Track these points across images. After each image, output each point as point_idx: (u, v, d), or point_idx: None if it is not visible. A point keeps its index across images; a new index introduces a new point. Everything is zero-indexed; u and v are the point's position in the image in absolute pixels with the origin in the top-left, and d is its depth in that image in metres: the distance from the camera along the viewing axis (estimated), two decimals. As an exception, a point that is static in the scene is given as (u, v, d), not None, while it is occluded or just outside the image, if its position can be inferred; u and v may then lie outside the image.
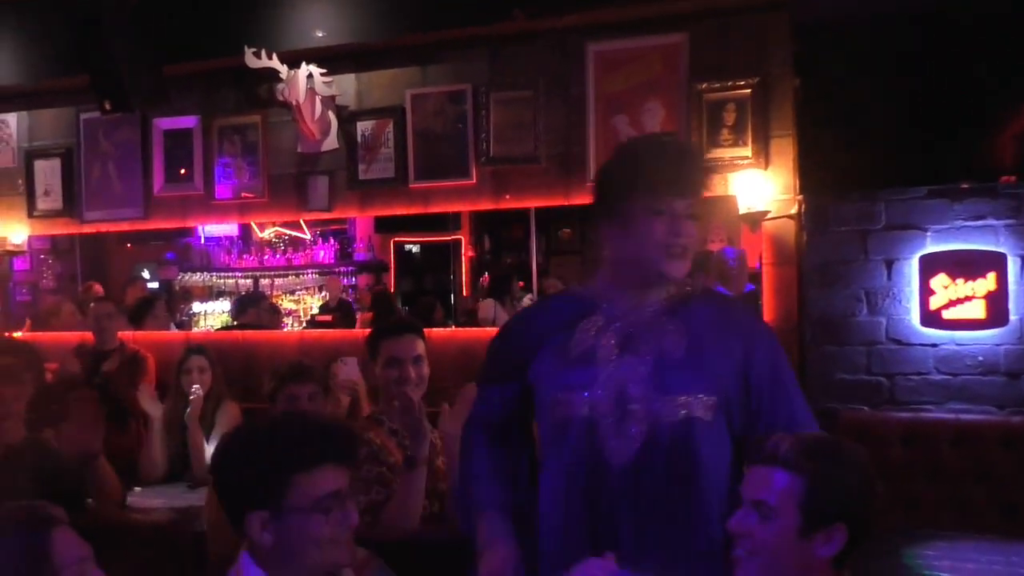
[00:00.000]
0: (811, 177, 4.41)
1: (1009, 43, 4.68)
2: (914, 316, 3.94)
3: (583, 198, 4.63)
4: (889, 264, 4.01)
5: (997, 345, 3.81)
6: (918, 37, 4.90)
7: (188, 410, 3.83)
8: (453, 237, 8.73)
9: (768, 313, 4.30)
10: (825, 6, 4.68)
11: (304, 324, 7.49)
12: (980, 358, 3.84)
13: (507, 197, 4.86)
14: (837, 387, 4.02)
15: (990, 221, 3.80)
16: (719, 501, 1.61)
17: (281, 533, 1.53)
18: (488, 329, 5.37)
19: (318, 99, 4.91)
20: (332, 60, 4.95)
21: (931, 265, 3.90)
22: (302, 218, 6.93)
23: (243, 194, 5.29)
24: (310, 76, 4.85)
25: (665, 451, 1.62)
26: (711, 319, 1.73)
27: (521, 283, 8.33)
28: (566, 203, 4.84)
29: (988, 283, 3.80)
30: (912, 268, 3.95)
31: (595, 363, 1.70)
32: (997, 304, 3.81)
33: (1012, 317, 3.81)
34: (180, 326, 6.89)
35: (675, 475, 1.61)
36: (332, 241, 8.41)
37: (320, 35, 4.95)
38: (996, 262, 3.79)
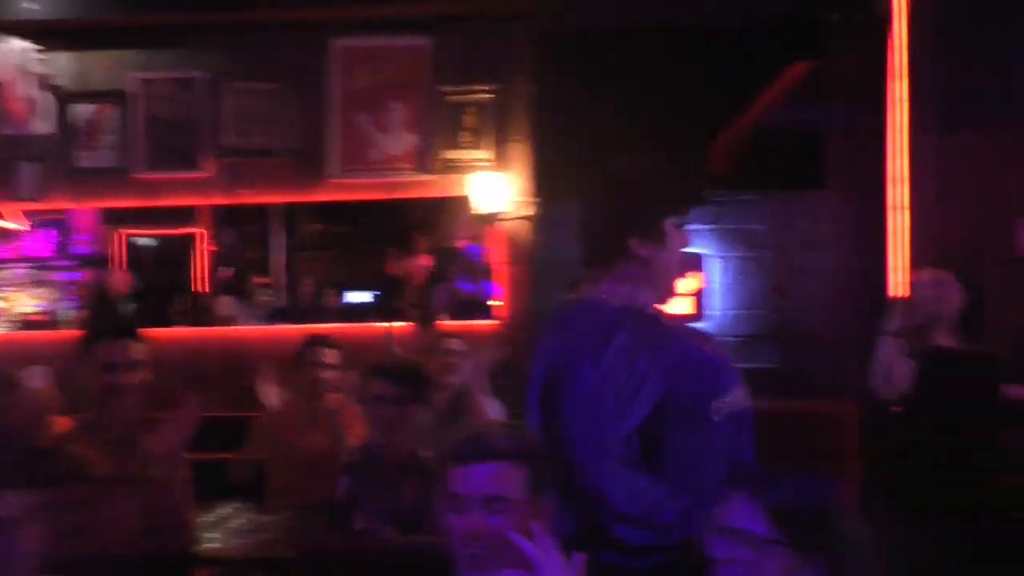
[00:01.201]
0: (547, 181, 4.64)
1: (727, 60, 5.15)
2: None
3: (323, 194, 4.57)
4: (611, 264, 4.33)
5: (705, 337, 4.24)
6: (648, 52, 5.29)
7: None
8: (191, 230, 8.22)
9: (501, 309, 4.48)
10: (565, 19, 4.92)
11: (13, 325, 6.74)
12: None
13: (243, 191, 4.68)
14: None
15: (696, 226, 4.23)
16: None
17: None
18: (226, 328, 5.14)
19: (27, 77, 4.45)
20: (46, 35, 4.51)
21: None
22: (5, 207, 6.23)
23: (-70, 179, 4.69)
24: (18, 51, 4.39)
25: None
26: None
27: (266, 280, 8.02)
28: (305, 199, 4.76)
29: (695, 282, 4.22)
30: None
31: None
32: (702, 301, 4.24)
33: (716, 312, 4.25)
34: None
35: None
36: (50, 232, 7.63)
37: (32, 7, 4.49)
38: (700, 263, 4.22)
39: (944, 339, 3.16)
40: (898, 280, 4.12)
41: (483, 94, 4.55)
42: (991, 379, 3.40)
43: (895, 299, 3.88)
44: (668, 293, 1.75)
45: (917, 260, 4.15)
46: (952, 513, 2.99)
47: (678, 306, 4.19)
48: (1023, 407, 3.67)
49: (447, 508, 1.43)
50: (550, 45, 4.76)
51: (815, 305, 4.55)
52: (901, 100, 3.99)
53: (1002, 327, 4.21)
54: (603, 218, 1.75)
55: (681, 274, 1.79)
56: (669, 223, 1.70)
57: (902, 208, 4.13)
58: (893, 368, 3.22)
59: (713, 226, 4.26)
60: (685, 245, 1.75)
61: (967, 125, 4.45)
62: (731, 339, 4.35)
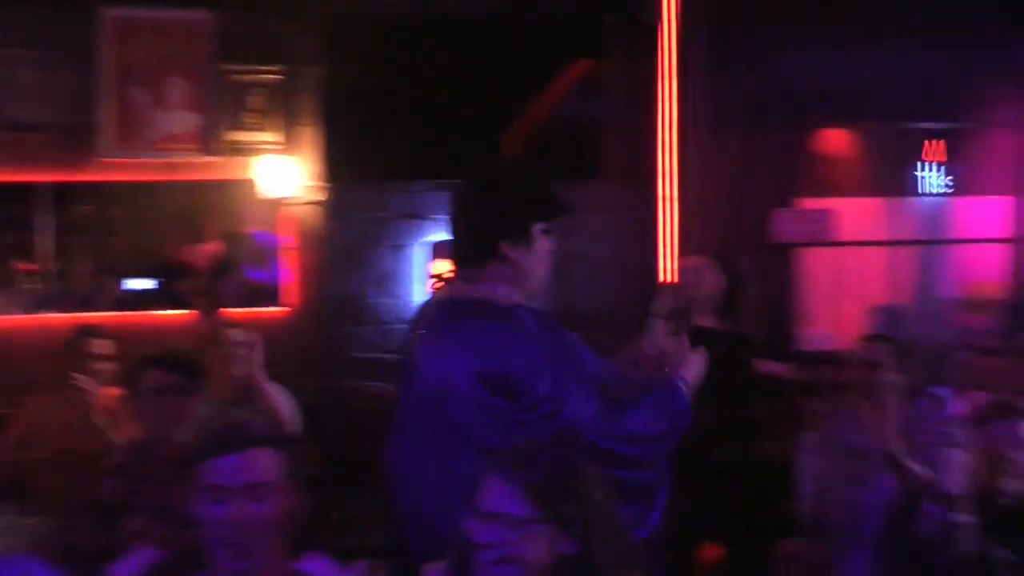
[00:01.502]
0: (337, 166, 4.59)
1: (522, 51, 5.27)
2: (421, 298, 4.35)
3: (95, 174, 4.28)
4: (399, 249, 4.39)
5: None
6: (440, 40, 5.34)
7: None
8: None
9: (291, 295, 4.40)
10: (359, 3, 4.86)
11: None
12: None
13: (3, 168, 4.30)
14: (357, 365, 4.28)
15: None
16: None
17: None
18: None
19: None
20: None
21: (435, 252, 4.35)
22: None
23: None
24: None
25: None
26: None
27: (31, 266, 7.36)
28: (74, 179, 4.43)
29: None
30: (419, 254, 4.37)
31: None
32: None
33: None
34: None
35: None
36: None
37: None
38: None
39: (704, 320, 3.45)
40: (668, 267, 4.45)
41: (271, 75, 4.44)
42: (746, 356, 3.76)
43: (664, 284, 4.19)
44: (535, 292, 1.91)
45: (684, 248, 4.50)
46: (717, 478, 3.30)
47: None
48: (774, 381, 4.09)
49: (204, 500, 1.41)
50: (342, 28, 4.70)
51: (597, 290, 4.81)
52: (670, 99, 4.30)
53: (758, 309, 4.67)
54: (477, 220, 1.88)
55: (546, 275, 1.95)
56: (537, 228, 1.85)
57: (671, 200, 4.46)
58: (663, 348, 3.48)
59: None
60: (550, 248, 1.90)
61: (730, 125, 4.87)
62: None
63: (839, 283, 5.53)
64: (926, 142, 5.31)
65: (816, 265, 5.40)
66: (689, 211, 4.59)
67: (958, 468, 1.81)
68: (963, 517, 1.78)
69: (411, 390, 1.89)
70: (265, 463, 1.45)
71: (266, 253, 5.05)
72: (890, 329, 5.27)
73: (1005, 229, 5.35)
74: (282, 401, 3.13)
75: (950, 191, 5.39)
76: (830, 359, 4.78)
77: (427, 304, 1.99)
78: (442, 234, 4.34)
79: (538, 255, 1.86)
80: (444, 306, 1.90)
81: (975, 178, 5.35)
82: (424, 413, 1.82)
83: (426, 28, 5.25)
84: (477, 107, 5.42)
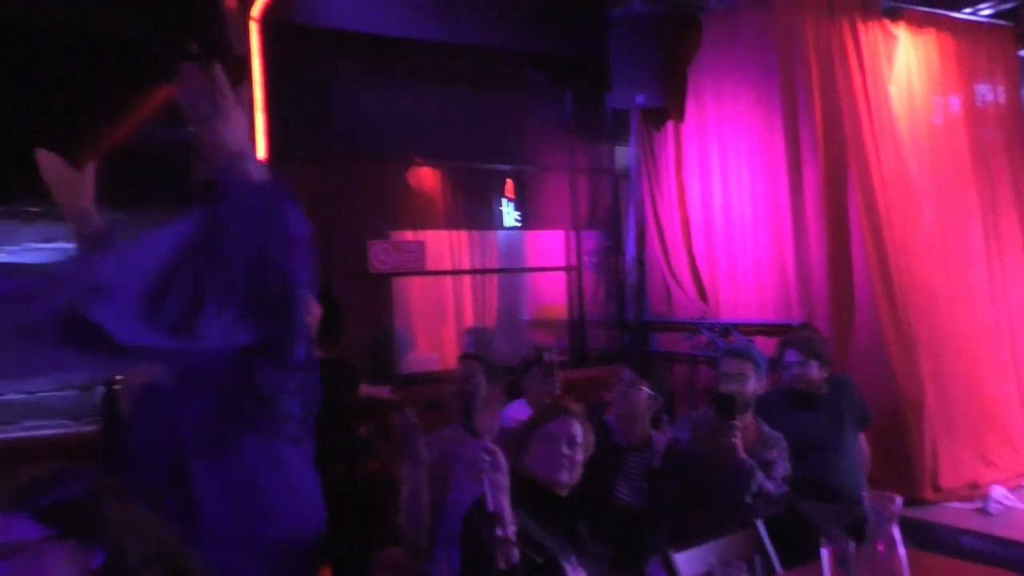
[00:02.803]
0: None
1: (97, 70, 4.81)
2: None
3: None
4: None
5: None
6: (31, 51, 4.70)
7: None
8: None
9: None
10: None
11: None
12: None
13: None
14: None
15: (61, 244, 3.96)
16: None
17: None
18: None
19: None
20: None
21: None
22: None
23: None
24: None
25: None
26: None
27: None
28: None
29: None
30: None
31: None
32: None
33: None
34: None
35: None
36: None
37: None
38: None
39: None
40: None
41: None
42: (349, 381, 3.87)
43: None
44: None
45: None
46: (329, 496, 3.33)
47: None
48: (375, 403, 4.26)
49: None
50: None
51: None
52: (261, 131, 4.30)
53: (358, 335, 4.83)
54: None
55: None
56: None
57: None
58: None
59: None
60: None
61: (321, 158, 5.01)
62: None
63: (438, 309, 5.93)
64: (507, 180, 5.95)
65: (412, 292, 5.74)
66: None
67: (495, 490, 2.03)
68: (501, 531, 1.99)
69: None
70: None
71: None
72: (479, 348, 5.79)
73: (566, 259, 6.17)
74: None
75: (521, 225, 6.08)
76: (427, 379, 5.12)
77: None
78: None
79: None
80: None
81: (539, 214, 6.11)
82: None
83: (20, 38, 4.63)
84: (71, 125, 4.88)
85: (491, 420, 3.30)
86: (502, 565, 1.96)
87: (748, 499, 3.08)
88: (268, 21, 4.54)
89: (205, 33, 4.49)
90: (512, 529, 2.00)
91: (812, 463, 3.57)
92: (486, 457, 2.01)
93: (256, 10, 4.52)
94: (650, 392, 3.35)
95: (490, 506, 1.96)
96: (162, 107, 5.18)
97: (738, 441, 3.13)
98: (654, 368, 3.59)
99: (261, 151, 4.47)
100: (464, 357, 3.66)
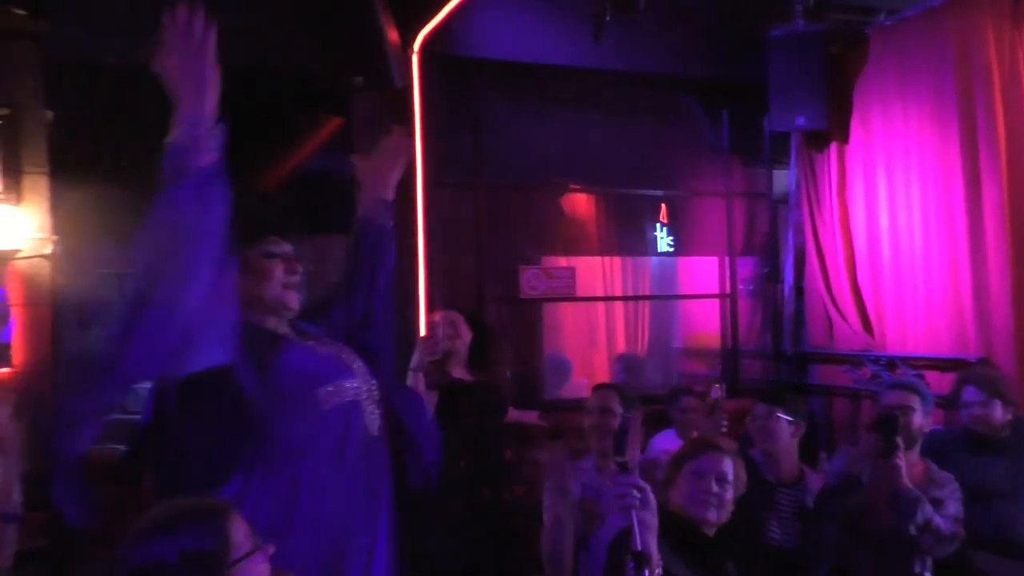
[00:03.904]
0: (67, 216, 4.27)
1: (265, 105, 5.14)
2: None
3: None
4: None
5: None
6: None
7: None
8: None
9: (19, 355, 4.00)
10: (71, 45, 4.51)
11: None
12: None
13: None
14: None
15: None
16: None
17: None
18: None
19: None
20: None
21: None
22: None
23: None
24: None
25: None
26: None
27: None
28: None
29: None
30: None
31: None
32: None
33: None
34: None
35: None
36: None
37: None
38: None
39: (457, 371, 3.56)
40: (423, 321, 4.55)
41: (-10, 119, 4.06)
42: (497, 405, 3.91)
43: (422, 339, 4.27)
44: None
45: (433, 302, 4.62)
46: (477, 519, 3.39)
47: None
48: (522, 428, 4.28)
49: None
50: (65, 69, 4.34)
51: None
52: (416, 159, 4.45)
53: (505, 360, 4.87)
54: None
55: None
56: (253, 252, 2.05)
57: (420, 255, 4.61)
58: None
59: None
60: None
61: (475, 184, 5.13)
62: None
63: (589, 335, 5.92)
64: (661, 206, 5.89)
65: (564, 318, 5.75)
66: (436, 266, 4.74)
67: (643, 528, 1.95)
68: (648, 572, 1.91)
69: None
70: None
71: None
72: (629, 376, 5.72)
73: (720, 286, 6.00)
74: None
75: (674, 251, 5.98)
76: (573, 406, 5.10)
77: None
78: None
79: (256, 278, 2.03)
80: None
81: (692, 240, 5.99)
82: None
83: (146, 74, 4.97)
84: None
85: (632, 452, 3.24)
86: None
87: (913, 530, 2.82)
88: (426, 54, 4.71)
89: (370, 67, 4.74)
90: (659, 572, 1.93)
91: (990, 513, 3.26)
92: (636, 494, 1.94)
93: (417, 44, 4.69)
94: (788, 419, 3.18)
95: (637, 545, 1.90)
96: (331, 137, 5.49)
97: (902, 462, 2.87)
98: (785, 397, 3.47)
99: (419, 180, 4.62)
100: (598, 387, 3.59)
